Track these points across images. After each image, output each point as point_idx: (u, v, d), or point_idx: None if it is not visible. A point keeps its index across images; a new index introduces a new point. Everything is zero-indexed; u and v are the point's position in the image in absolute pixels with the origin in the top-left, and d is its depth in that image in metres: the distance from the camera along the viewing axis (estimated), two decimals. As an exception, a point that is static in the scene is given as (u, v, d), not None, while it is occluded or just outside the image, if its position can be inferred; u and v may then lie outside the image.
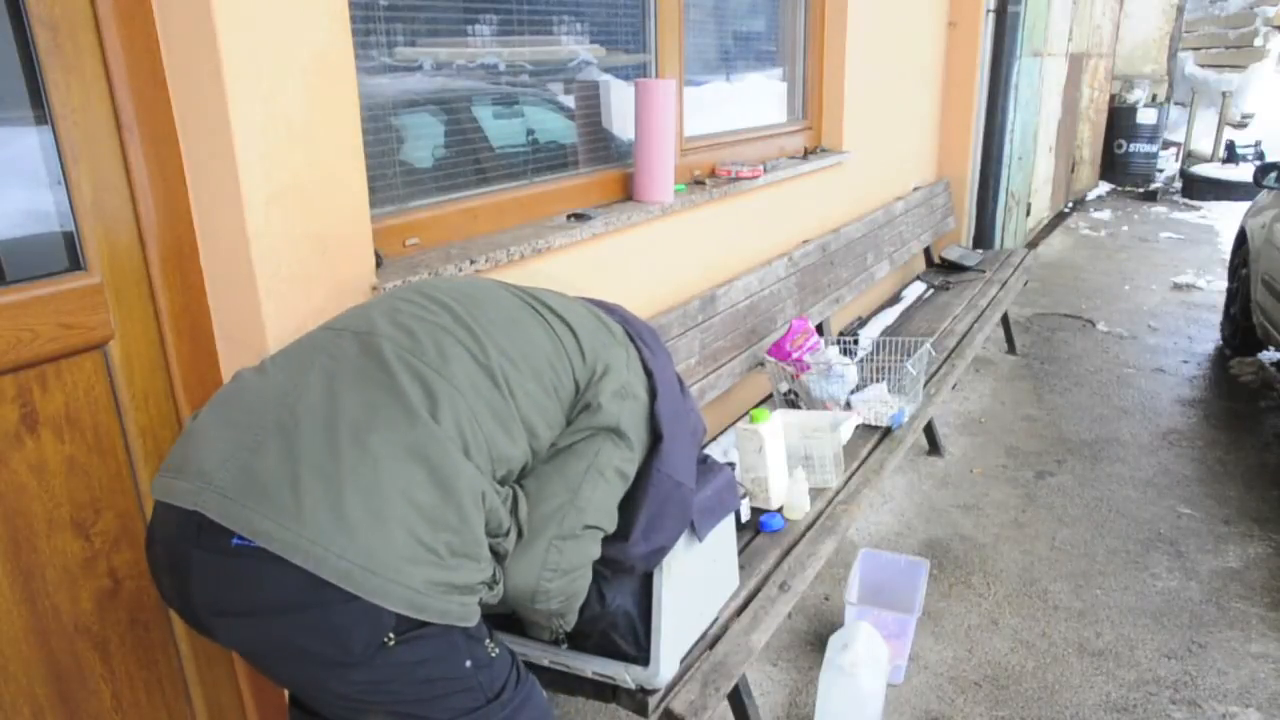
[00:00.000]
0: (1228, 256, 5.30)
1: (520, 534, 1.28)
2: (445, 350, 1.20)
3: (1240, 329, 4.66)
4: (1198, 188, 9.83)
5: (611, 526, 1.37)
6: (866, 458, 2.55)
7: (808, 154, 3.61)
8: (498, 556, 1.23)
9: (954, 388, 4.00)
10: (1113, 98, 10.34)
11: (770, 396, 2.88)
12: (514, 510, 1.25)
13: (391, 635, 1.07)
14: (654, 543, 1.42)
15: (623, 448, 1.35)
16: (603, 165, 2.60)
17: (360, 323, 1.25)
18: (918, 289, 4.57)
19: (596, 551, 1.36)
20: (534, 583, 1.29)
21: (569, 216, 2.32)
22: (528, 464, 1.28)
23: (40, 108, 1.34)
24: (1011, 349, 4.84)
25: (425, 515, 1.07)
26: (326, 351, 1.20)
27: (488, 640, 1.21)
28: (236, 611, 1.08)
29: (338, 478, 1.04)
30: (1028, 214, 6.78)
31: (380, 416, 1.10)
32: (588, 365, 1.35)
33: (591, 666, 1.55)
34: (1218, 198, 9.47)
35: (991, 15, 5.18)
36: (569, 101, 2.54)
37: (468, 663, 1.17)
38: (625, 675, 1.54)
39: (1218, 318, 5.25)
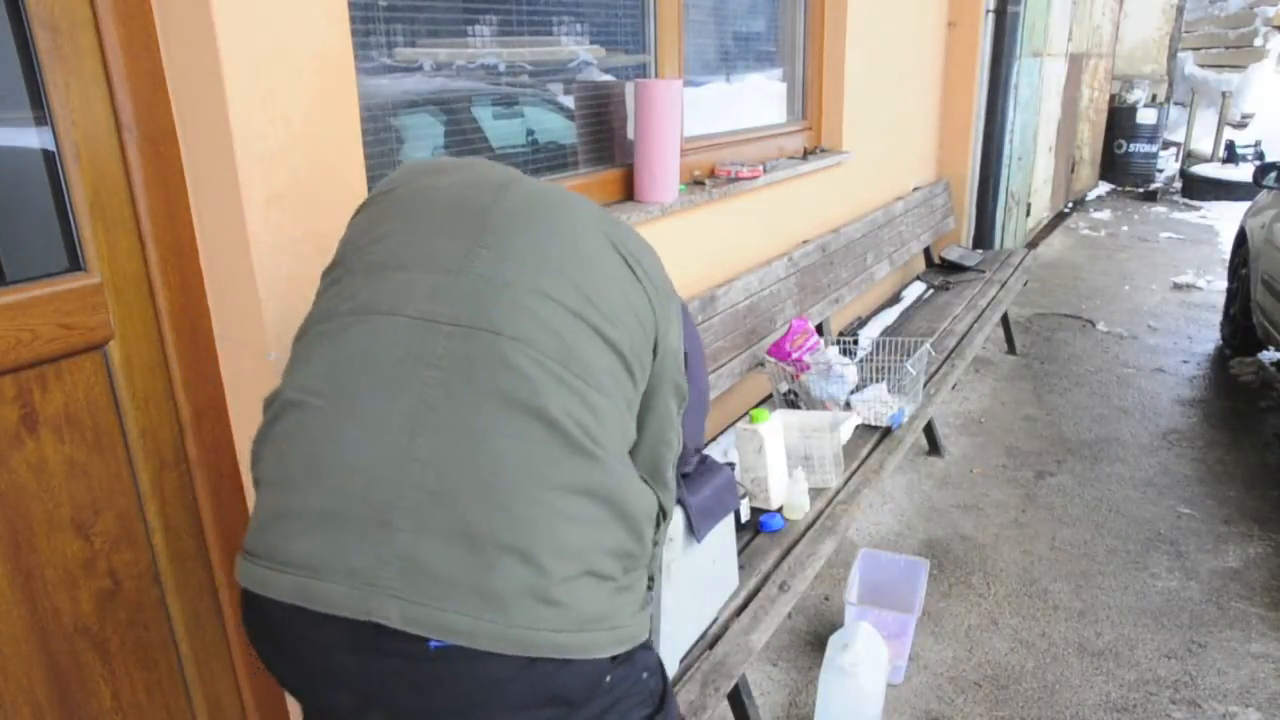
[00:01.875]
0: (1228, 256, 5.30)
1: (664, 513, 1.20)
2: (587, 357, 1.00)
3: (1240, 329, 4.67)
4: (1198, 188, 9.83)
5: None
6: (866, 458, 2.55)
7: (807, 154, 3.61)
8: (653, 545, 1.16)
9: (954, 388, 4.00)
10: (1113, 98, 10.34)
11: (770, 396, 2.88)
12: (659, 498, 1.17)
13: (610, 677, 1.01)
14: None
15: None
16: (603, 165, 2.60)
17: (470, 310, 0.98)
18: (918, 289, 4.57)
19: None
20: None
21: (569, 217, 2.32)
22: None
23: (40, 108, 1.34)
24: (1011, 349, 4.84)
25: (612, 553, 0.98)
26: (443, 365, 0.95)
27: (650, 647, 1.15)
28: (451, 712, 0.96)
29: (530, 548, 0.91)
30: (1028, 214, 6.78)
31: (546, 459, 0.94)
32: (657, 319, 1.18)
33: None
34: (1218, 198, 9.47)
35: (991, 15, 5.18)
36: (569, 102, 2.55)
37: (644, 674, 1.09)
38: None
39: (1218, 318, 5.25)
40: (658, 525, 1.14)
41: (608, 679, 1.00)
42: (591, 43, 2.57)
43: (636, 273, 1.13)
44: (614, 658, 1.00)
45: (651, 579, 1.13)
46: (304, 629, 0.94)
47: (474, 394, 0.94)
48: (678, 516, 1.52)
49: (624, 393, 1.06)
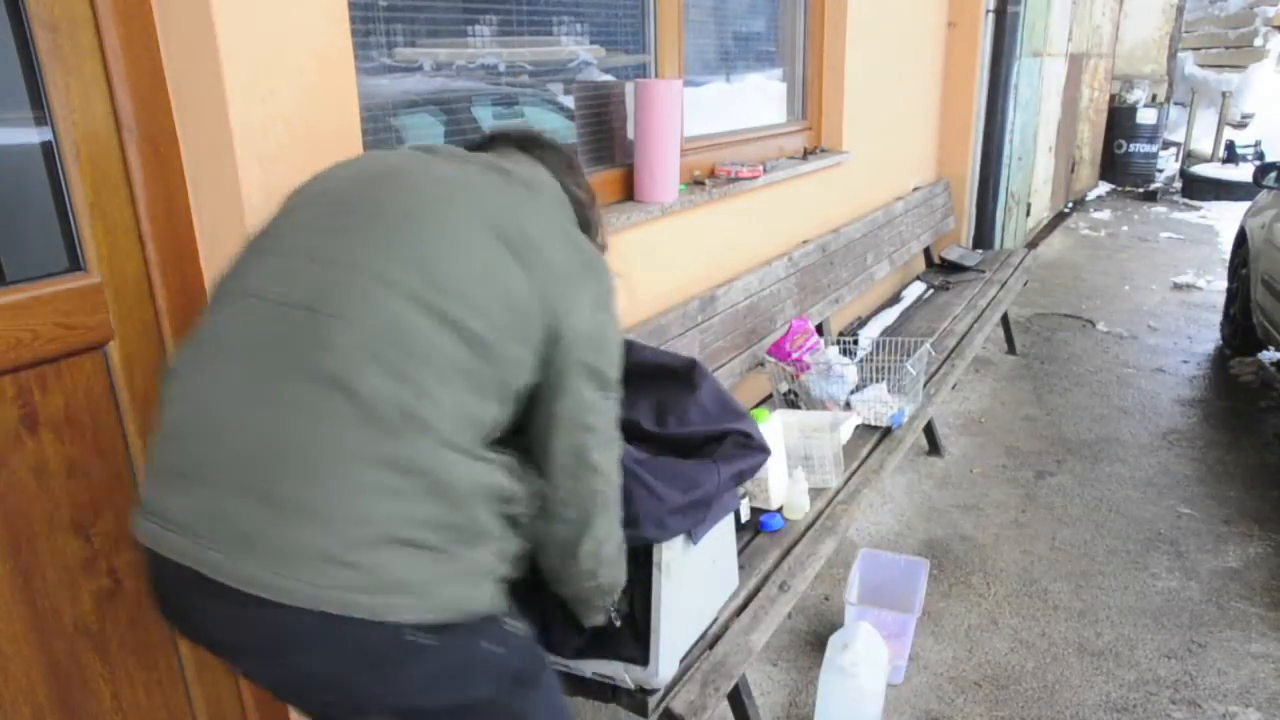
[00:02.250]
0: (1228, 256, 5.30)
1: (537, 499, 1.22)
2: (418, 339, 1.05)
3: (1240, 329, 4.67)
4: (1198, 188, 9.83)
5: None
6: (866, 458, 2.55)
7: (807, 154, 3.61)
8: (512, 520, 1.17)
9: (954, 388, 4.00)
10: (1113, 98, 10.34)
11: (770, 396, 2.88)
12: (518, 476, 1.18)
13: (417, 633, 1.03)
14: None
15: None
16: (603, 165, 2.60)
17: (312, 294, 1.06)
18: (918, 289, 4.57)
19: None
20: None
21: (569, 217, 2.32)
22: (504, 419, 1.18)
23: (40, 108, 1.34)
24: (1011, 349, 4.84)
25: (426, 525, 1.03)
26: (283, 347, 1.05)
27: (506, 618, 1.16)
28: (259, 650, 1.05)
29: (329, 514, 0.99)
30: (1028, 214, 6.78)
31: (353, 434, 1.00)
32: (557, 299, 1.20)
33: (591, 667, 1.55)
34: (1218, 198, 9.47)
35: (991, 15, 5.18)
36: (569, 102, 2.55)
37: (483, 642, 1.12)
38: (625, 675, 1.54)
39: (1218, 318, 5.25)
40: (508, 505, 1.14)
41: (419, 641, 1.02)
42: (591, 43, 2.57)
43: (523, 261, 1.16)
44: (440, 626, 1.03)
45: (509, 561, 1.14)
46: (166, 573, 1.05)
47: (290, 369, 1.03)
48: None
49: (473, 375, 1.09)
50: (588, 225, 1.46)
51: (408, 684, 1.05)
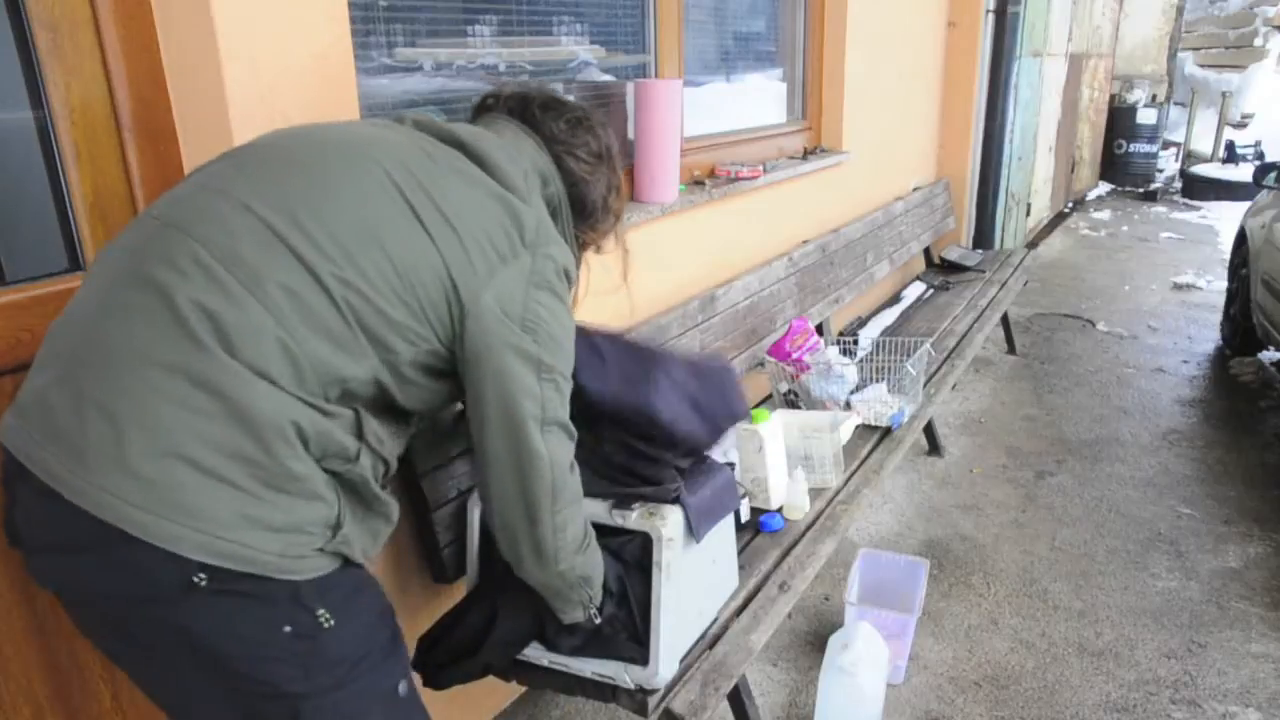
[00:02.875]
0: (1228, 256, 5.30)
1: (385, 463, 1.17)
2: (258, 264, 1.03)
3: (1240, 329, 4.67)
4: (1198, 188, 9.83)
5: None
6: (866, 458, 2.55)
7: (807, 154, 3.61)
8: (353, 489, 1.11)
9: (954, 388, 4.00)
10: (1113, 98, 10.34)
11: (770, 396, 2.88)
12: (359, 433, 1.11)
13: (202, 576, 0.97)
14: None
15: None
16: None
17: (180, 212, 1.07)
18: (918, 289, 4.57)
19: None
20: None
21: (569, 217, 2.32)
22: (382, 378, 1.13)
23: (40, 108, 1.34)
24: (1011, 349, 4.84)
25: (220, 450, 0.98)
26: (135, 257, 1.05)
27: (320, 610, 1.05)
28: (45, 548, 1.03)
29: (119, 414, 0.96)
30: (1028, 214, 6.78)
31: (161, 342, 0.99)
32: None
33: (591, 667, 1.55)
34: (1218, 198, 9.47)
35: (991, 15, 5.18)
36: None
37: (286, 628, 1.03)
38: (625, 675, 1.54)
39: (1218, 318, 5.25)
40: (338, 461, 1.08)
41: (199, 579, 0.97)
42: (591, 43, 2.57)
43: (428, 226, 1.13)
44: (223, 572, 0.97)
45: (337, 529, 1.07)
46: (5, 466, 1.05)
47: (131, 274, 1.03)
48: (678, 516, 1.52)
49: (326, 322, 1.06)
50: (582, 202, 1.41)
51: (188, 623, 1.00)
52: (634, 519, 1.50)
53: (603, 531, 1.50)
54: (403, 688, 1.18)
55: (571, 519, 1.32)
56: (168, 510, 0.96)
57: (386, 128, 1.25)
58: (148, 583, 0.98)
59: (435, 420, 1.63)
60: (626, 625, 1.52)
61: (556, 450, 1.26)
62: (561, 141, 1.38)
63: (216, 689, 1.05)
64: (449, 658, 1.54)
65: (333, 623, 1.06)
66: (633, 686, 1.54)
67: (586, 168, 1.40)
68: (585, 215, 1.44)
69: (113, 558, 0.97)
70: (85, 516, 0.95)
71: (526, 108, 1.39)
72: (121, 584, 0.99)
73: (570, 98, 1.49)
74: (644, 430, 1.54)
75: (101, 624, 1.07)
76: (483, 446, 1.25)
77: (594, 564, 1.43)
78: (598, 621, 1.49)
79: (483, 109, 1.43)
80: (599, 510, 1.52)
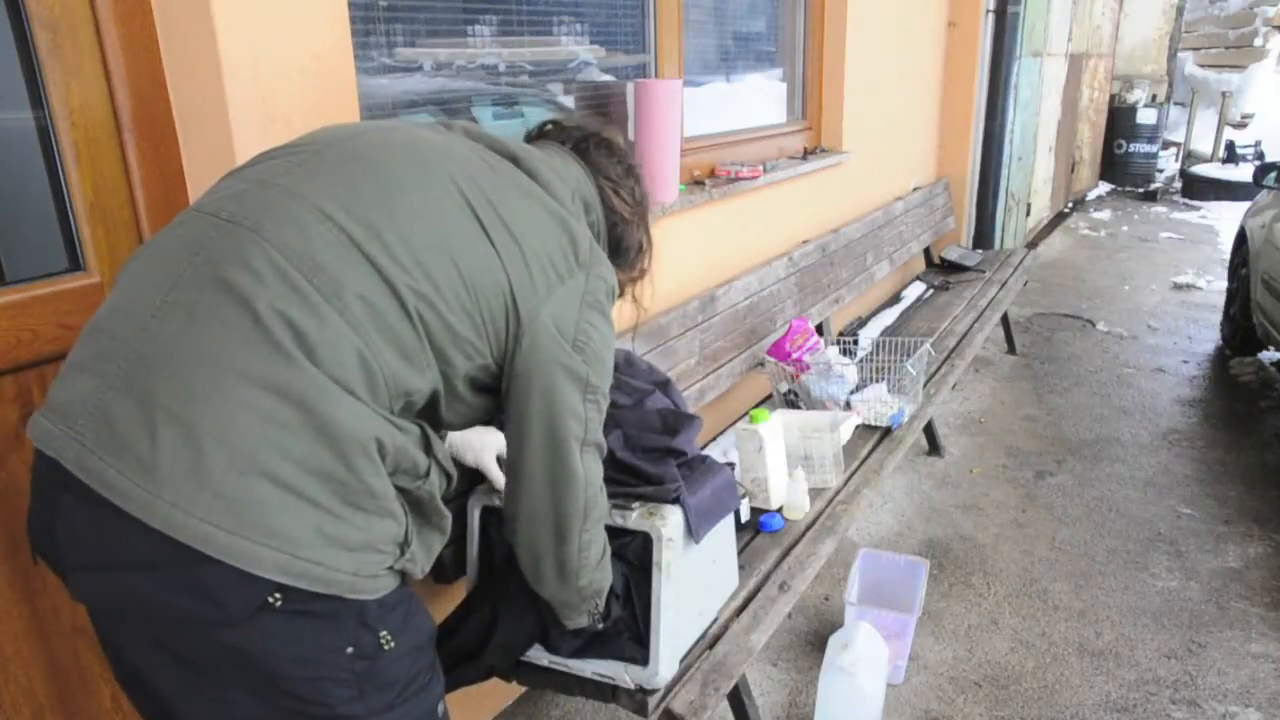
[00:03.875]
0: (1228, 256, 5.30)
1: (449, 477, 1.16)
2: (338, 274, 1.00)
3: (1240, 329, 4.67)
4: (1198, 188, 9.84)
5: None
6: (866, 458, 2.55)
7: (807, 154, 3.61)
8: (419, 506, 1.09)
9: (954, 388, 4.00)
10: (1113, 98, 10.34)
11: (770, 396, 2.88)
12: (427, 449, 1.10)
13: (277, 596, 0.94)
14: None
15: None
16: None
17: (247, 211, 1.03)
18: (918, 289, 4.57)
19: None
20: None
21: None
22: (438, 391, 1.12)
23: (40, 108, 1.34)
24: (1011, 349, 4.84)
25: (303, 466, 0.94)
26: (199, 253, 1.00)
27: (383, 631, 1.04)
28: (95, 564, 0.96)
29: (196, 425, 0.91)
30: (1027, 214, 6.78)
31: (243, 351, 0.94)
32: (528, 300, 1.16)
33: (591, 667, 1.55)
34: (1218, 198, 9.48)
35: (991, 15, 5.18)
36: (569, 102, 2.54)
37: (349, 649, 1.01)
38: (625, 675, 1.54)
39: (1218, 318, 5.25)
40: (410, 478, 1.07)
41: (274, 599, 0.94)
42: (591, 43, 2.57)
43: (493, 237, 1.12)
44: (296, 593, 0.94)
45: (405, 547, 1.05)
46: (40, 473, 1.01)
47: (206, 278, 0.98)
48: (678, 516, 1.52)
49: (395, 331, 1.04)
50: (619, 243, 1.41)
51: (249, 645, 0.96)
52: (634, 519, 1.51)
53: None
54: (441, 709, 1.18)
55: (596, 538, 1.32)
56: (248, 530, 0.91)
57: (443, 134, 1.23)
58: (217, 603, 0.93)
59: None
60: (629, 625, 1.52)
61: (592, 470, 1.26)
62: (611, 179, 1.38)
63: (262, 709, 1.01)
64: (452, 661, 1.54)
65: (393, 644, 1.05)
66: (633, 686, 1.54)
67: (629, 209, 1.40)
68: (617, 255, 1.43)
69: (181, 577, 0.92)
70: (152, 533, 0.90)
71: (583, 140, 1.39)
72: (186, 603, 0.94)
73: (625, 146, 1.47)
74: (652, 427, 1.55)
75: (142, 640, 1.01)
76: (519, 463, 1.23)
77: (608, 576, 1.43)
78: (600, 627, 1.49)
79: (540, 134, 1.43)
80: None
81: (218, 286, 0.97)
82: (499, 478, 1.53)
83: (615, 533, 1.51)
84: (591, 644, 1.54)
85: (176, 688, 1.02)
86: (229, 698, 1.00)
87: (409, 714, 1.09)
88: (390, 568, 1.04)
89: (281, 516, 0.93)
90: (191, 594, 0.93)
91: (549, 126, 1.44)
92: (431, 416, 1.16)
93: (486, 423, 1.32)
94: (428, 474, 1.09)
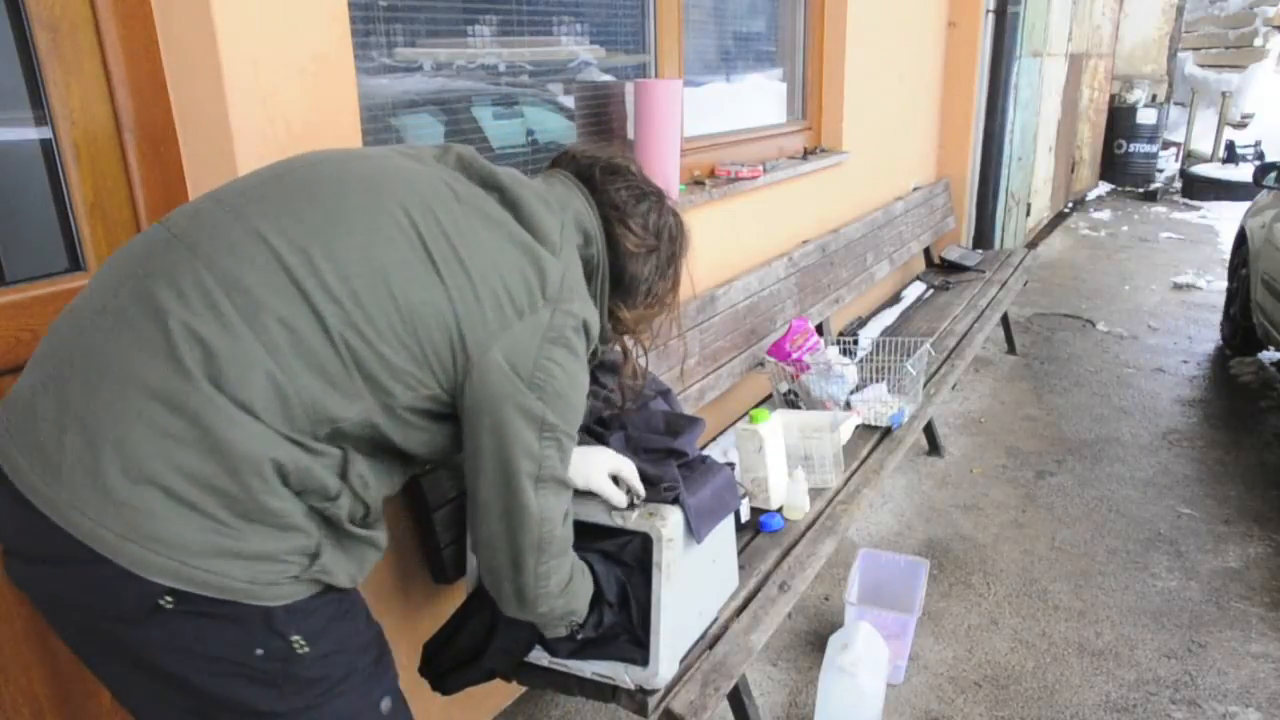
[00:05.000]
0: (1228, 256, 5.30)
1: (366, 506, 1.13)
2: (260, 296, 1.01)
3: (1240, 329, 4.67)
4: (1198, 188, 9.84)
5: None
6: (866, 458, 2.55)
7: (807, 154, 3.61)
8: (331, 525, 1.09)
9: (954, 388, 4.00)
10: (1113, 98, 10.34)
11: (770, 396, 2.88)
12: (343, 474, 1.09)
13: (169, 599, 0.97)
14: None
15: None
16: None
17: (191, 228, 1.05)
18: (918, 289, 4.57)
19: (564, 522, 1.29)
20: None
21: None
22: (376, 420, 1.10)
23: (40, 108, 1.34)
24: (1011, 349, 4.84)
25: (194, 479, 0.96)
26: (142, 265, 1.04)
27: (295, 636, 1.04)
28: (20, 553, 1.02)
29: (98, 432, 0.95)
30: (1028, 214, 6.78)
31: (149, 365, 0.97)
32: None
33: (591, 667, 1.56)
34: (1218, 198, 9.48)
35: (991, 15, 5.18)
36: (569, 102, 2.55)
37: (258, 650, 1.02)
38: (625, 675, 1.54)
39: (1218, 318, 5.25)
40: (319, 499, 1.06)
41: (165, 602, 0.97)
42: (591, 43, 2.57)
43: (442, 271, 1.11)
44: (191, 595, 0.97)
45: (314, 559, 1.05)
46: None
47: (138, 290, 1.01)
48: (678, 516, 1.52)
49: (321, 359, 1.03)
50: (621, 277, 1.36)
51: (154, 642, 1.00)
52: (634, 520, 1.51)
53: (602, 533, 1.50)
54: (386, 704, 1.17)
55: (556, 569, 1.29)
56: (137, 535, 0.95)
57: (421, 160, 1.21)
58: (114, 601, 0.97)
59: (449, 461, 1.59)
60: (626, 628, 1.52)
61: (548, 506, 1.23)
62: (616, 207, 1.34)
63: (181, 704, 1.04)
64: (453, 664, 1.54)
65: (308, 649, 1.05)
66: (633, 687, 1.54)
67: (635, 240, 1.35)
68: (621, 287, 1.38)
69: (85, 574, 0.97)
70: (58, 529, 0.95)
71: (590, 168, 1.36)
72: (89, 599, 0.99)
73: (642, 173, 1.42)
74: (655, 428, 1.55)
75: (75, 632, 1.06)
76: (475, 492, 1.22)
77: (578, 597, 1.40)
78: (582, 636, 1.49)
79: (553, 162, 1.41)
80: (597, 512, 1.52)
81: (144, 299, 1.00)
82: (615, 495, 1.50)
83: (615, 533, 1.51)
84: (588, 646, 1.54)
85: (111, 679, 1.08)
86: (155, 694, 1.04)
87: (340, 711, 1.10)
88: (296, 577, 1.04)
89: (171, 525, 0.96)
90: (93, 591, 0.97)
91: (562, 154, 1.41)
92: (383, 444, 1.14)
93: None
94: (337, 496, 1.08)
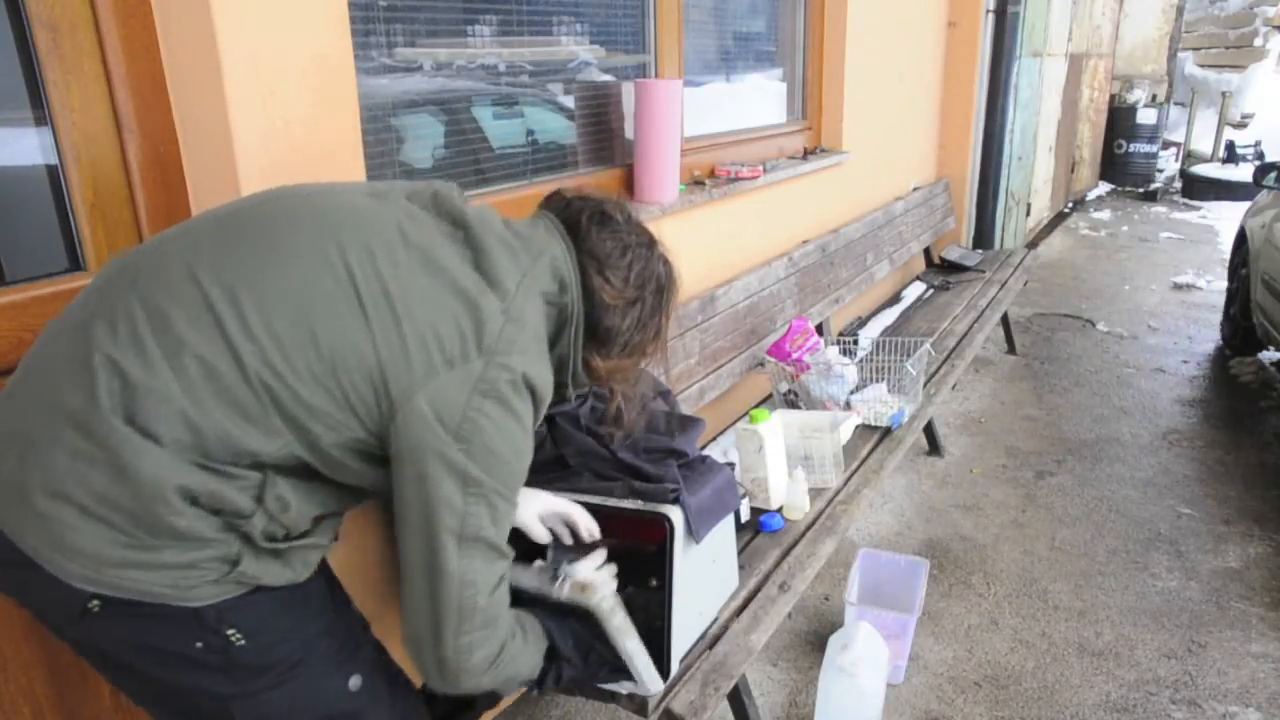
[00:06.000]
0: (1228, 256, 5.30)
1: (285, 528, 1.13)
2: (182, 334, 1.04)
3: (1240, 329, 4.67)
4: (1198, 188, 9.83)
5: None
6: (866, 458, 2.55)
7: (807, 154, 3.61)
8: (249, 539, 1.09)
9: (954, 388, 4.00)
10: (1113, 98, 10.34)
11: (770, 396, 2.88)
12: (259, 497, 1.09)
13: (96, 603, 1.04)
14: None
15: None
16: (602, 165, 2.60)
17: (142, 263, 1.11)
18: (918, 289, 4.57)
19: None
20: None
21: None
22: (300, 456, 1.11)
23: (40, 108, 1.34)
24: (1011, 349, 4.84)
25: (103, 500, 1.01)
26: (97, 291, 1.11)
27: (229, 630, 1.08)
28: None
29: (28, 451, 1.03)
30: (1027, 214, 6.78)
31: (72, 392, 1.03)
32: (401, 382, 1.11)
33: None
34: (1218, 198, 9.47)
35: (991, 15, 5.18)
36: (569, 102, 2.55)
37: (197, 644, 1.08)
38: (621, 686, 1.53)
39: (1218, 318, 5.25)
40: (232, 517, 1.08)
41: (93, 606, 1.04)
42: (591, 43, 2.57)
43: (369, 311, 1.09)
44: (116, 599, 1.04)
45: (235, 563, 1.07)
46: None
47: (84, 317, 1.08)
48: (678, 516, 1.52)
49: (234, 394, 1.05)
50: (596, 328, 1.31)
51: (98, 638, 1.09)
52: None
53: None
54: (355, 682, 1.19)
55: (480, 643, 1.20)
56: (59, 546, 1.02)
57: (384, 199, 1.19)
58: (55, 602, 1.07)
59: None
60: (603, 664, 1.47)
61: (473, 570, 1.15)
62: (596, 258, 1.29)
63: (151, 690, 1.15)
64: (451, 708, 1.58)
65: (245, 641, 1.10)
66: (627, 693, 1.54)
67: (612, 291, 1.30)
68: (596, 338, 1.33)
69: (28, 577, 1.05)
70: (7, 542, 1.04)
71: (578, 214, 1.31)
72: (39, 599, 1.09)
73: (639, 223, 1.38)
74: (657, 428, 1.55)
75: (50, 626, 1.16)
76: (400, 545, 1.17)
77: (513, 671, 1.30)
78: (535, 693, 1.50)
79: (544, 202, 1.37)
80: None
81: (81, 327, 1.07)
82: (539, 533, 1.50)
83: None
84: (573, 684, 1.50)
85: (99, 671, 1.18)
86: (128, 680, 1.15)
87: (301, 691, 1.16)
88: (217, 581, 1.08)
89: (86, 537, 1.02)
90: (39, 593, 1.07)
91: (555, 194, 1.37)
92: (319, 475, 1.14)
93: None
94: (250, 516, 1.09)
